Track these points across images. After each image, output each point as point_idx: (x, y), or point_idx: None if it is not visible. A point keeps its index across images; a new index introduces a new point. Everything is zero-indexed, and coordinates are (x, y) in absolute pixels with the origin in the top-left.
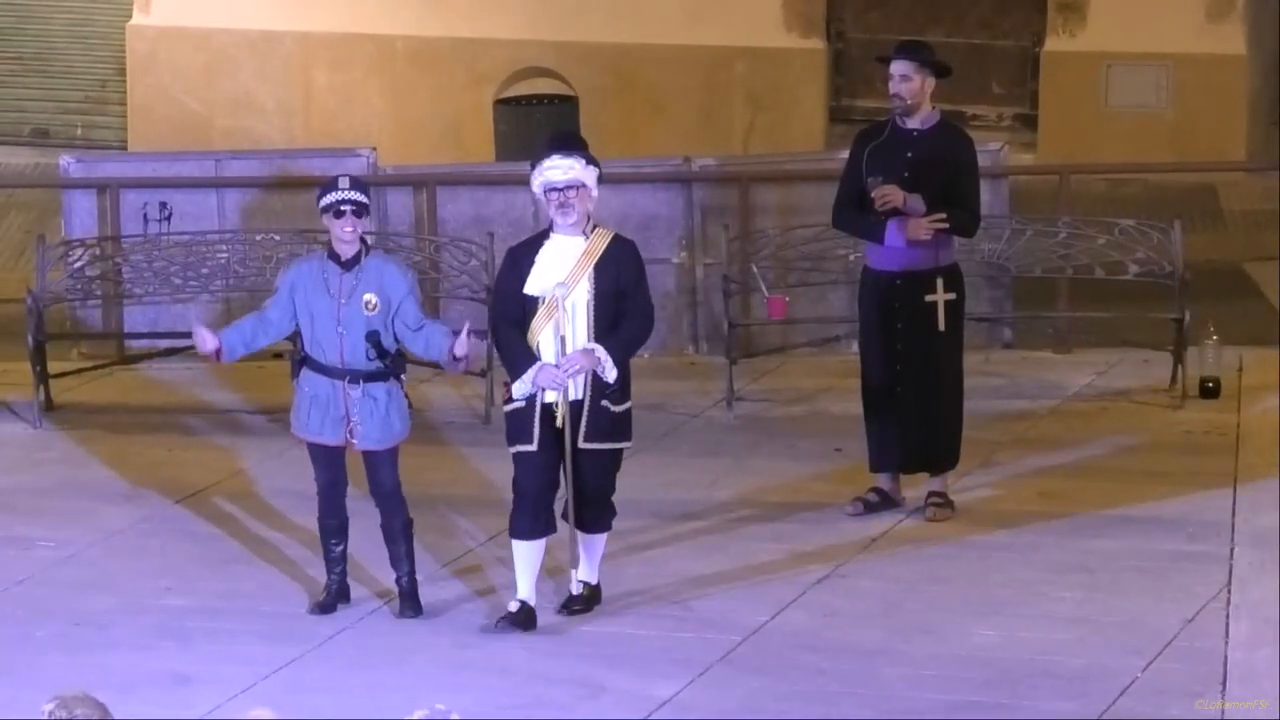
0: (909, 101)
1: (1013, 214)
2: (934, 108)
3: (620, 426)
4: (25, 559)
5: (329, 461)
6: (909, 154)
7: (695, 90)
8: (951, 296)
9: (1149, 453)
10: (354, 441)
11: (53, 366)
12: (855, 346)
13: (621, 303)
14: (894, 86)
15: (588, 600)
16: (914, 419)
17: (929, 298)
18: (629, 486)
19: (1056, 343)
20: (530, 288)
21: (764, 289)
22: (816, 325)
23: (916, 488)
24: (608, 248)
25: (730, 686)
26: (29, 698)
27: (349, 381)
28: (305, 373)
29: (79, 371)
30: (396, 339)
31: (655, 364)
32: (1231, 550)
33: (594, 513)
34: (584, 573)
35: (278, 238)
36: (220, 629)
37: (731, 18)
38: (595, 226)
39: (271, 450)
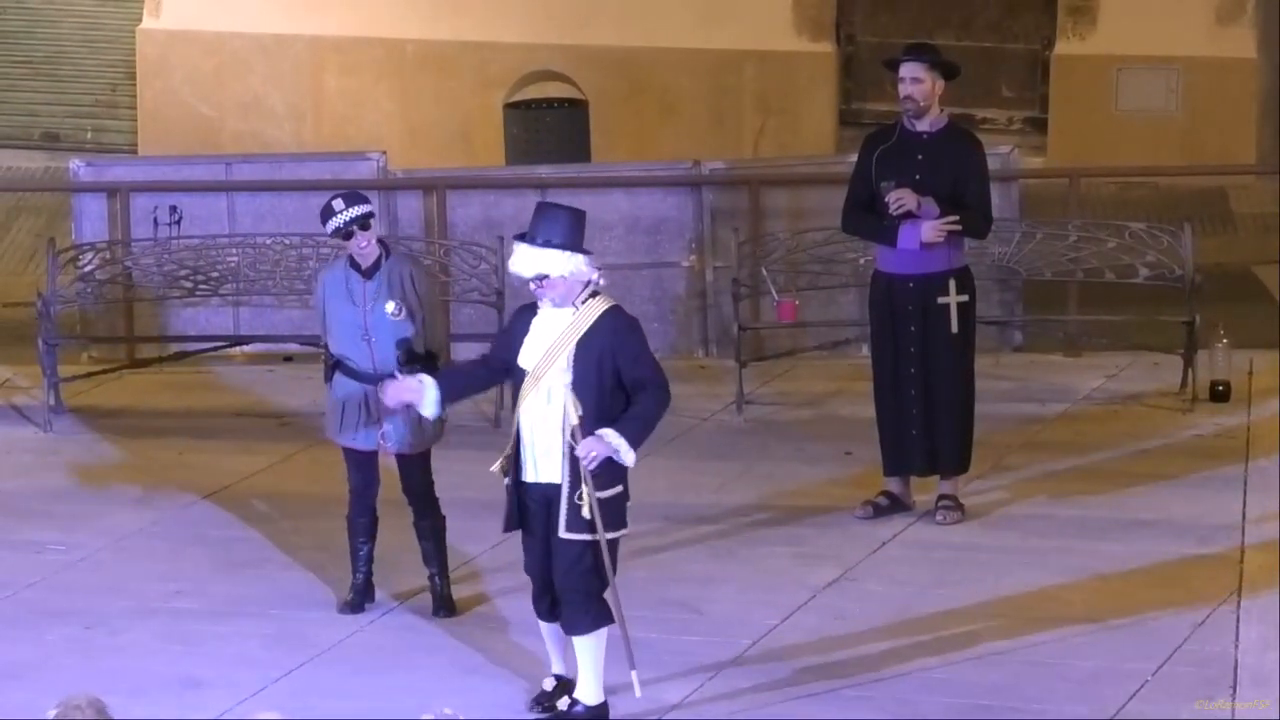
0: (921, 103)
1: (1023, 217)
2: (942, 110)
3: (609, 514)
4: (36, 562)
5: (361, 465)
6: (919, 156)
7: (705, 94)
8: (964, 298)
9: (1159, 456)
10: (386, 445)
11: (63, 370)
12: (865, 349)
13: (616, 379)
14: (905, 89)
15: (558, 694)
16: (925, 422)
17: (941, 300)
18: (640, 490)
19: (1067, 346)
20: (521, 359)
21: (774, 292)
22: (827, 328)
23: (927, 491)
24: (596, 322)
25: (740, 690)
26: (40, 701)
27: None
28: (338, 378)
29: (89, 375)
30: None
31: (666, 367)
32: (1242, 553)
33: (568, 611)
34: (559, 665)
35: (288, 241)
36: (230, 632)
37: (741, 21)
38: (590, 297)
39: (282, 453)
